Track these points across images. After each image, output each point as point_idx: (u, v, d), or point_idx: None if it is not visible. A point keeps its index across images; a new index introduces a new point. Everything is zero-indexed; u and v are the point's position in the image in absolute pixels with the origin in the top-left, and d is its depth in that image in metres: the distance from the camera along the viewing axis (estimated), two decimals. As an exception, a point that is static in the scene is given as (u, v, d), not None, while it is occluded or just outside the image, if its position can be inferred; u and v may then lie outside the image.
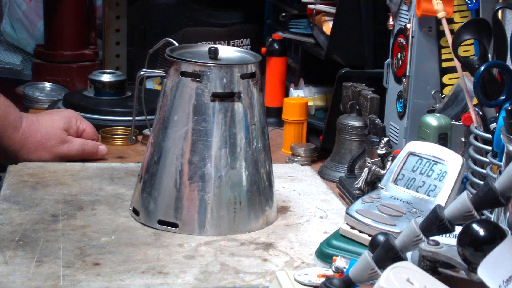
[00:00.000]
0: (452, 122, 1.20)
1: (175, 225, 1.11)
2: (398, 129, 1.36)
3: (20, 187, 1.25)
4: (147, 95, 1.45)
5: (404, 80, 1.32)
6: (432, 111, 1.27)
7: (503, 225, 0.85)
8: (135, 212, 1.15)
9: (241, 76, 1.11)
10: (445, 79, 1.32)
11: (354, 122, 1.37)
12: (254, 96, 1.13)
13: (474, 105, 1.13)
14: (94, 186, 1.28)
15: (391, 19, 1.38)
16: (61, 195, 1.22)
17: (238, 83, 1.11)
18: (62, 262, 0.99)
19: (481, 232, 0.69)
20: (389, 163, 1.20)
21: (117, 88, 1.70)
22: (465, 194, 0.71)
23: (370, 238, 0.86)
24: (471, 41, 1.25)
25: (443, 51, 1.31)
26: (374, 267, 0.74)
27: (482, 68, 1.06)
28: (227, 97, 1.11)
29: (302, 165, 1.46)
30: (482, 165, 1.09)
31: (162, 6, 2.05)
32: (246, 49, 1.75)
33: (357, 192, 1.24)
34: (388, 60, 1.39)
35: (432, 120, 1.19)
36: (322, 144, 1.51)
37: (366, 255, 0.75)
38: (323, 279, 0.81)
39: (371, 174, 1.22)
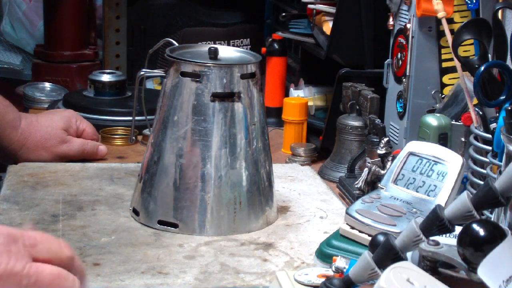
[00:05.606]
0: (452, 122, 1.19)
1: (175, 225, 1.11)
2: (398, 129, 1.36)
3: (20, 187, 1.25)
4: (147, 95, 1.45)
5: (404, 80, 1.32)
6: (432, 111, 1.27)
7: (503, 225, 0.85)
8: (135, 212, 1.15)
9: (241, 76, 1.11)
10: (445, 79, 1.32)
11: (354, 122, 1.37)
12: (254, 96, 1.13)
13: (474, 105, 1.13)
14: (94, 186, 1.28)
15: (391, 19, 1.38)
16: (61, 195, 1.22)
17: (238, 83, 1.11)
18: (62, 262, 0.99)
19: (481, 232, 0.69)
20: (389, 163, 1.19)
21: (117, 88, 1.70)
22: (465, 194, 0.71)
23: (370, 238, 0.86)
24: (471, 41, 1.25)
25: (443, 51, 1.31)
26: (374, 267, 0.74)
27: (482, 68, 1.06)
28: (227, 97, 1.11)
29: (302, 165, 1.46)
30: (482, 165, 1.09)
31: (162, 6, 2.05)
32: (246, 49, 1.75)
33: (357, 192, 1.24)
34: (388, 60, 1.39)
35: (432, 120, 1.19)
36: (322, 144, 1.51)
37: (366, 255, 0.75)
38: (323, 279, 0.81)
39: (371, 174, 1.22)
